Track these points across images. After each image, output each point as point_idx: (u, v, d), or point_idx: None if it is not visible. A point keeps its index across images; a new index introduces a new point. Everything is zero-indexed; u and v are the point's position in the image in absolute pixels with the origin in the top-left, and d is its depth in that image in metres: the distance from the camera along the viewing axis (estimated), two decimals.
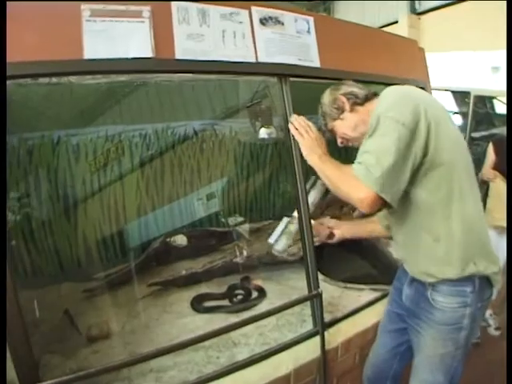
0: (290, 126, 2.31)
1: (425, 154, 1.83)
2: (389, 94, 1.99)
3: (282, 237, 2.75)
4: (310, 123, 2.28)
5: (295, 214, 2.65)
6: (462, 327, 1.95)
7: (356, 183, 1.80)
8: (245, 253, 3.12)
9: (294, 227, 2.71)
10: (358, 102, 2.25)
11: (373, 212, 1.87)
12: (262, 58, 2.29)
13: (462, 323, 1.94)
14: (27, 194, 3.12)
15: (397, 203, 1.85)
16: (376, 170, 1.76)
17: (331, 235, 2.58)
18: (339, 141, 2.34)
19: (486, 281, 1.96)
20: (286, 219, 2.75)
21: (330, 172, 2.04)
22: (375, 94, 2.24)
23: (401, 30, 9.48)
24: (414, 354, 2.14)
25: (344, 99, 2.24)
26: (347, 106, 2.24)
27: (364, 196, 1.78)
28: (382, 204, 1.82)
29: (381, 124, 1.83)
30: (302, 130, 2.26)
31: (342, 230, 2.57)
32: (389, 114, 1.83)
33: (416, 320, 2.08)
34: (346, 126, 2.25)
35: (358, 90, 2.28)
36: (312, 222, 2.55)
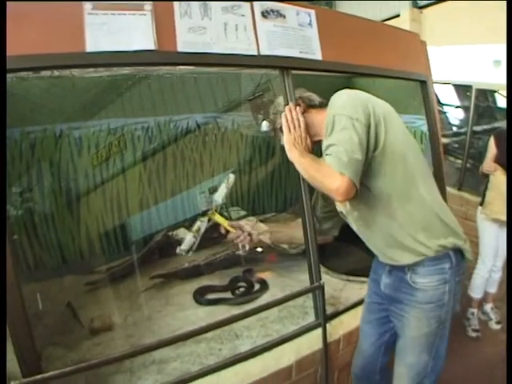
0: (283, 116, 2.28)
1: (375, 148, 1.98)
2: (338, 96, 2.10)
3: (188, 235, 2.74)
4: (302, 119, 2.26)
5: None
6: (443, 304, 2.03)
7: (330, 172, 1.87)
8: (247, 246, 3.12)
9: (203, 226, 2.75)
10: (313, 104, 2.39)
11: (348, 199, 1.93)
12: (264, 51, 2.28)
13: (443, 300, 2.03)
14: (30, 187, 3.13)
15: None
16: (344, 155, 1.86)
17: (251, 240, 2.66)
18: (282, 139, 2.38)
19: (461, 255, 2.09)
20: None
21: (308, 165, 2.07)
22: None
23: (402, 23, 9.46)
24: (398, 338, 2.18)
25: (300, 101, 2.36)
26: (301, 107, 2.33)
27: (339, 184, 1.84)
28: (355, 191, 1.90)
29: (337, 122, 1.95)
30: (291, 124, 2.24)
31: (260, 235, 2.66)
32: (343, 113, 1.95)
33: (398, 305, 2.13)
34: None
35: (314, 96, 2.41)
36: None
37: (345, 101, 2.03)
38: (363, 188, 2.01)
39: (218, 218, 2.71)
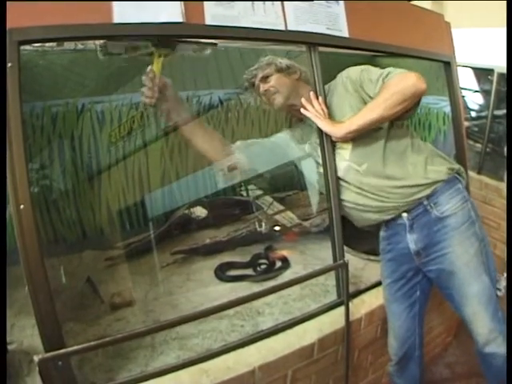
0: (306, 104, 2.28)
1: None
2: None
3: None
4: (325, 109, 2.28)
5: None
6: (473, 220, 2.18)
7: (399, 78, 2.08)
8: (263, 225, 3.12)
9: None
10: (307, 80, 2.49)
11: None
12: (292, 26, 2.25)
13: (472, 216, 2.18)
14: (51, 161, 3.12)
15: None
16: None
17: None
18: (264, 87, 2.46)
19: (461, 178, 2.30)
20: None
21: (370, 110, 2.12)
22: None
23: (424, 4, 9.36)
24: (451, 282, 2.19)
25: (297, 68, 2.50)
26: (297, 75, 2.49)
27: (414, 75, 2.05)
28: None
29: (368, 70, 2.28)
30: (316, 113, 2.26)
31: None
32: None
33: (437, 247, 2.18)
34: (284, 83, 2.44)
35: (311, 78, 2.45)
36: None
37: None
38: (396, 125, 2.29)
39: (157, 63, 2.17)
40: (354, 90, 2.27)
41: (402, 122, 2.30)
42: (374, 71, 2.22)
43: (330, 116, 2.29)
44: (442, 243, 2.15)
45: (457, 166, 2.29)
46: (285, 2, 2.25)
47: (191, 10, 1.96)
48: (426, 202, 2.17)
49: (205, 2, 2.01)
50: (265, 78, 2.44)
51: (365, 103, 2.21)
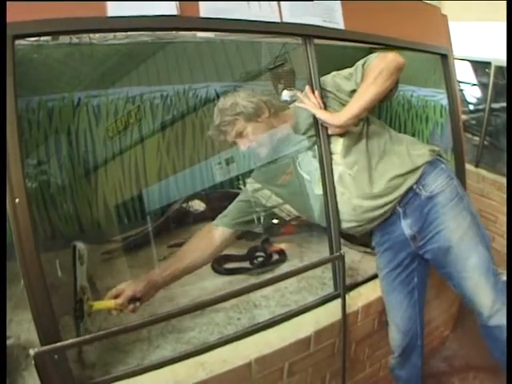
0: (304, 97, 2.29)
1: None
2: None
3: None
4: (321, 103, 2.26)
5: None
6: (461, 196, 2.24)
7: (377, 60, 2.13)
8: (261, 218, 3.11)
9: None
10: (279, 108, 2.46)
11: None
12: (287, 19, 2.24)
13: (459, 192, 2.24)
14: (47, 157, 3.11)
15: None
16: None
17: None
18: (246, 145, 2.36)
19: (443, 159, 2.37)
20: None
21: (361, 96, 2.14)
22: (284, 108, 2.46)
23: None
24: (448, 258, 2.20)
25: (262, 104, 2.36)
26: (267, 112, 2.37)
27: (391, 53, 2.12)
28: None
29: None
30: (313, 105, 2.25)
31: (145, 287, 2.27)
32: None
33: (432, 225, 2.21)
34: (261, 132, 2.36)
35: (274, 100, 2.49)
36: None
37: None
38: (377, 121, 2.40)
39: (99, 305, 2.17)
40: (332, 98, 2.29)
41: (376, 116, 2.41)
42: (345, 70, 2.28)
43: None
44: (436, 221, 2.18)
45: (437, 149, 2.35)
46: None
47: (186, 3, 1.95)
48: (415, 187, 2.21)
49: (200, 2, 2.00)
50: (239, 134, 2.34)
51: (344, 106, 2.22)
